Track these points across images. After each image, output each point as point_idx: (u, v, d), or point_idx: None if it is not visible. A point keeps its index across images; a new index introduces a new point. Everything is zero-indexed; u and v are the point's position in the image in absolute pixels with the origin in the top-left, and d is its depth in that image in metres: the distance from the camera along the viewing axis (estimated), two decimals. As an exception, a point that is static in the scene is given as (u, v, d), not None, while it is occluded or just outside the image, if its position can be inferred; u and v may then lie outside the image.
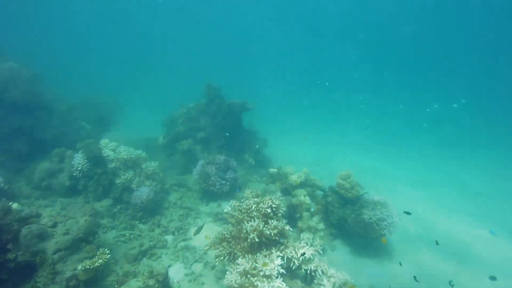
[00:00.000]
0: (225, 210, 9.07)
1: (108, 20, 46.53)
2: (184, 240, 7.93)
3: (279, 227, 5.88)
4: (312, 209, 8.66)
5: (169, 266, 6.95)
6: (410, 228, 10.14)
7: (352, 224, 8.22)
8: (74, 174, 9.07)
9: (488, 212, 12.45)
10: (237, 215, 6.37)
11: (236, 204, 6.78)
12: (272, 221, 5.91)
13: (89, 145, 10.02)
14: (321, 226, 8.44)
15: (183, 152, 13.22)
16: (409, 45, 46.45)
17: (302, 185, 9.19)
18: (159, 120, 17.28)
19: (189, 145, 13.25)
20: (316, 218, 8.60)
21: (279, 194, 7.09)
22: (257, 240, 5.61)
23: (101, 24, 46.78)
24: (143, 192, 8.69)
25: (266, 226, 5.76)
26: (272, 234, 5.73)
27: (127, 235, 7.60)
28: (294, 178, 9.03)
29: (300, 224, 8.51)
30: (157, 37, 53.10)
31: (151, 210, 8.73)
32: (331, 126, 28.84)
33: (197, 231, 7.07)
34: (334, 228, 9.04)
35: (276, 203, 6.25)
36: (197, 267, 7.04)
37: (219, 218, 9.12)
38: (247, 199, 6.79)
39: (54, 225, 5.96)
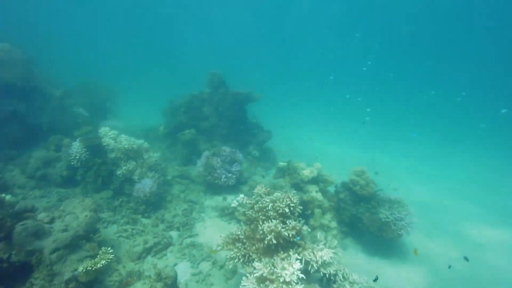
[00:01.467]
0: (232, 205, 8.66)
1: (107, 4, 44.75)
2: (190, 236, 7.47)
3: (297, 228, 5.42)
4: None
5: (175, 264, 6.50)
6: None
7: (367, 223, 7.82)
8: (72, 163, 8.50)
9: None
10: (250, 213, 5.89)
11: (248, 202, 6.29)
12: (290, 221, 5.44)
13: (88, 133, 9.43)
14: (333, 224, 8.04)
15: (185, 143, 12.66)
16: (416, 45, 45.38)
17: (313, 180, 8.73)
18: (159, 109, 16.63)
19: (191, 135, 12.67)
20: (328, 216, 8.18)
21: (293, 191, 6.62)
22: (274, 242, 5.15)
23: (99, 9, 44.96)
24: (146, 184, 8.17)
25: (284, 227, 5.30)
26: (290, 236, 5.27)
27: (130, 230, 7.11)
28: (306, 173, 8.57)
29: (311, 221, 8.10)
30: (159, 23, 51.40)
31: (154, 203, 8.23)
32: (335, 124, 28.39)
33: None
34: (345, 226, 8.64)
35: (294, 201, 5.77)
36: (205, 266, 6.60)
37: (225, 213, 8.67)
38: (260, 196, 6.32)
39: (51, 220, 5.43)
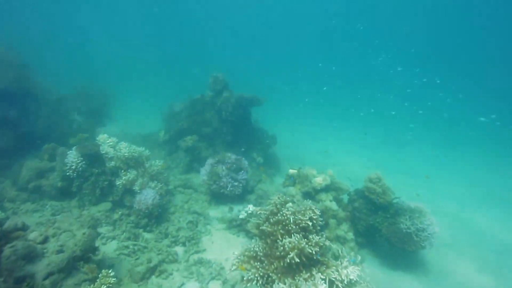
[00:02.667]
0: (241, 216, 8.12)
1: (105, 6, 44.01)
2: (197, 252, 6.87)
3: (321, 244, 4.88)
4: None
5: (182, 285, 5.90)
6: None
7: (387, 234, 7.29)
8: (67, 174, 7.88)
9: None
10: (266, 227, 5.33)
11: (263, 212, 5.75)
12: (313, 236, 4.90)
13: (85, 140, 8.85)
14: (350, 235, 7.50)
15: (187, 149, 12.10)
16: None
17: (326, 188, 8.21)
18: (158, 114, 16.10)
19: (193, 142, 12.13)
20: (344, 226, 7.65)
21: (309, 201, 6.10)
22: (297, 260, 4.60)
23: (96, 11, 44.17)
24: (148, 196, 7.59)
25: (307, 243, 4.75)
26: (314, 253, 4.72)
27: (131, 246, 6.50)
28: (319, 180, 8.05)
29: (327, 233, 7.55)
30: (158, 25, 50.70)
31: (157, 216, 7.63)
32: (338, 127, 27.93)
33: None
34: (360, 237, 8.11)
35: (317, 213, 5.25)
36: (215, 286, 6.01)
37: (233, 225, 8.09)
38: (275, 206, 5.78)
39: (45, 240, 4.83)
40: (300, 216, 5.13)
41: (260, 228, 5.43)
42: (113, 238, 6.77)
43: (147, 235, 7.15)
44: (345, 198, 8.71)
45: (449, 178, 16.48)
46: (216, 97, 12.84)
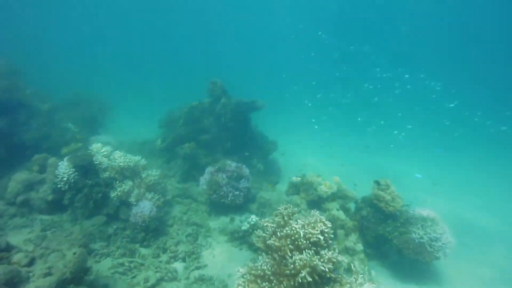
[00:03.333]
0: (243, 228, 7.70)
1: (100, 13, 43.52)
2: (197, 268, 6.43)
3: (334, 260, 4.48)
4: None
5: (183, 305, 5.45)
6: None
7: (399, 245, 6.89)
8: (59, 186, 7.45)
9: None
10: (273, 241, 4.92)
11: (270, 225, 5.34)
12: (325, 251, 4.50)
13: (77, 150, 8.42)
14: (359, 247, 7.09)
15: (185, 157, 11.68)
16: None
17: (332, 196, 7.82)
18: (155, 121, 15.67)
19: (191, 149, 11.71)
20: (353, 237, 7.24)
21: (317, 211, 5.70)
22: (309, 279, 4.19)
23: (89, 15, 43.60)
24: (145, 208, 7.15)
25: (319, 259, 4.35)
26: (327, 270, 4.32)
27: (126, 264, 6.05)
28: (325, 188, 7.67)
29: (335, 244, 7.13)
30: (153, 31, 50.31)
31: (154, 229, 7.18)
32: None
33: None
34: (369, 248, 7.70)
35: (328, 226, 4.86)
36: (218, 306, 5.57)
37: (235, 237, 7.65)
38: (282, 218, 5.38)
39: (31, 262, 4.38)
40: (310, 230, 4.73)
41: (267, 242, 5.02)
42: (107, 255, 6.31)
43: (144, 251, 6.69)
44: (351, 206, 8.33)
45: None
46: (214, 103, 12.48)
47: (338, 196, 7.97)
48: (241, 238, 7.60)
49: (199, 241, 7.47)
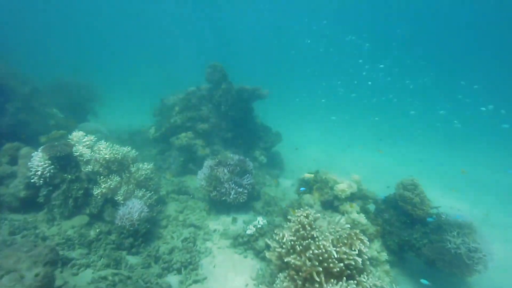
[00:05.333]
0: (248, 232, 6.67)
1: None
2: (195, 282, 5.41)
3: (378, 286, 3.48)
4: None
5: (177, 331, 4.44)
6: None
7: (431, 256, 5.93)
8: (32, 180, 6.31)
9: None
10: (294, 261, 3.89)
11: (288, 238, 4.30)
12: (364, 276, 3.48)
13: (55, 139, 7.28)
14: (384, 256, 6.10)
15: (181, 148, 10.59)
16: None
17: (351, 197, 6.81)
18: (149, 109, 14.45)
19: (188, 139, 10.62)
20: (376, 245, 6.26)
21: (341, 218, 4.69)
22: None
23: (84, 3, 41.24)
24: (134, 208, 6.07)
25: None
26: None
27: (110, 278, 5.00)
28: (343, 188, 6.64)
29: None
30: (148, 14, 47.93)
31: (145, 234, 6.12)
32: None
33: None
34: (392, 255, 6.73)
35: (366, 243, 3.84)
36: (221, 332, 4.57)
37: (239, 242, 6.63)
38: (303, 228, 4.35)
39: (-25, 288, 3.30)
40: (344, 249, 3.70)
41: (285, 260, 3.99)
42: (87, 266, 5.24)
43: (132, 260, 5.64)
44: (370, 207, 7.33)
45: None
46: (214, 89, 11.32)
47: (357, 196, 6.96)
48: (245, 244, 6.58)
49: (197, 246, 6.43)
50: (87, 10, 39.75)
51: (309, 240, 4.10)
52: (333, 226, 4.52)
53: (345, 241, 3.85)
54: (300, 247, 4.06)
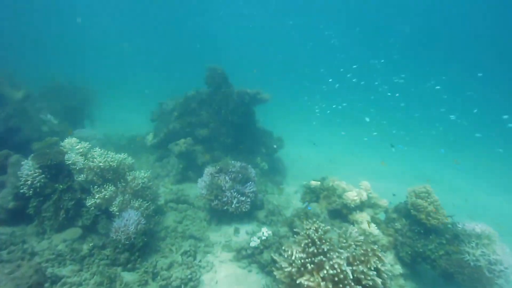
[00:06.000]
0: (252, 244, 6.27)
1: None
2: (196, 300, 4.99)
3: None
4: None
5: None
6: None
7: (449, 268, 5.54)
8: (22, 190, 5.91)
9: None
10: (307, 282, 3.50)
11: (297, 255, 3.91)
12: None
13: (48, 146, 6.88)
14: (398, 269, 5.72)
15: (180, 155, 10.18)
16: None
17: (361, 206, 6.44)
18: (145, 114, 14.09)
19: (187, 146, 10.22)
20: (389, 257, 5.87)
21: (353, 228, 4.32)
22: None
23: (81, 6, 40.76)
24: (130, 220, 5.67)
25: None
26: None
27: (104, 298, 4.58)
28: (352, 196, 6.27)
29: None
30: (147, 20, 47.60)
31: (142, 247, 5.70)
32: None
33: None
34: (404, 267, 6.34)
35: (385, 261, 3.47)
36: None
37: (243, 255, 6.22)
38: (313, 243, 3.97)
39: None
40: (361, 267, 3.32)
41: (297, 281, 3.60)
42: (79, 285, 4.83)
43: (127, 277, 5.22)
44: (381, 216, 6.96)
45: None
46: (214, 93, 10.97)
47: (367, 205, 6.59)
48: (249, 257, 6.18)
49: (197, 261, 6.03)
50: (83, 12, 39.38)
51: (321, 257, 3.72)
52: (345, 240, 4.14)
53: (362, 258, 3.48)
54: (312, 265, 3.67)
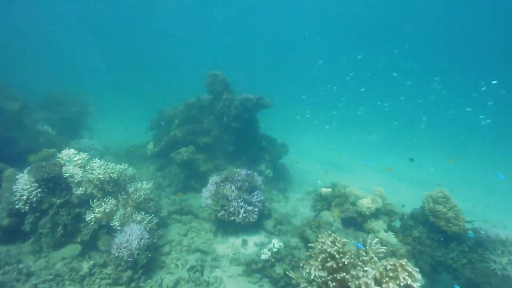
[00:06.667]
0: (263, 257, 5.92)
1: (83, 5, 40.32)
2: (206, 322, 4.62)
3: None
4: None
5: None
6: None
7: (475, 279, 5.20)
8: (17, 206, 5.56)
9: None
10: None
11: (312, 269, 3.58)
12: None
13: (45, 158, 6.55)
14: (420, 280, 5.35)
15: (182, 164, 9.82)
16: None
17: (376, 213, 6.11)
18: (145, 123, 13.79)
19: (189, 154, 9.88)
20: (409, 268, 5.51)
21: (373, 239, 3.99)
22: None
23: (74, 10, 40.38)
24: (133, 235, 5.31)
25: None
26: None
27: (106, 322, 4.21)
28: (366, 203, 5.94)
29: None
30: (143, 27, 47.35)
31: (145, 264, 5.33)
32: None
33: None
34: (423, 277, 5.98)
35: (416, 276, 3.15)
36: None
37: (253, 269, 5.86)
38: (332, 257, 3.64)
39: None
40: (392, 286, 3.00)
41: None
42: (79, 308, 4.45)
43: (131, 297, 4.85)
44: (396, 223, 6.63)
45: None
46: (215, 100, 10.70)
47: (382, 212, 6.26)
48: (262, 270, 5.81)
49: (205, 276, 5.66)
50: (80, 18, 39.16)
51: (343, 274, 3.39)
52: (365, 252, 3.81)
53: (391, 274, 3.15)
54: (334, 283, 3.34)
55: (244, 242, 6.88)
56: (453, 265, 5.60)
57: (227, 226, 7.34)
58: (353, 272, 3.26)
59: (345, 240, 4.06)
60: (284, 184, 12.04)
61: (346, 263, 3.42)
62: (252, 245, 6.87)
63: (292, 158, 13.78)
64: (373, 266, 3.38)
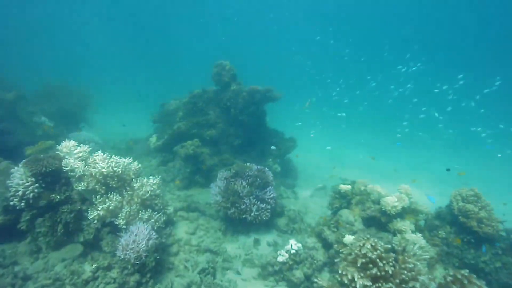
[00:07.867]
0: (280, 259, 5.49)
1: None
2: (223, 332, 4.18)
3: None
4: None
5: None
6: None
7: (510, 282, 4.80)
8: (12, 203, 5.08)
9: None
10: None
11: (363, 282, 3.14)
12: None
13: (42, 151, 6.05)
14: (451, 285, 4.94)
15: (187, 158, 9.36)
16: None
17: (402, 212, 5.67)
18: (147, 116, 13.26)
19: (194, 148, 9.40)
20: (439, 272, 5.11)
21: (414, 244, 3.57)
22: None
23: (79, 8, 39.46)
24: (140, 235, 4.84)
25: None
26: None
27: (112, 333, 3.76)
28: (392, 201, 5.50)
29: (415, 283, 4.99)
30: (146, 19, 46.32)
31: (154, 267, 4.88)
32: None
33: None
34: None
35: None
36: None
37: (269, 272, 5.42)
38: (370, 265, 3.21)
39: None
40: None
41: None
42: (82, 317, 4.00)
43: (139, 304, 4.41)
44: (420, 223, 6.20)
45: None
46: (222, 91, 10.19)
47: (407, 211, 5.83)
48: (277, 273, 5.38)
49: (217, 279, 5.22)
50: (80, 9, 38.25)
51: (391, 285, 2.95)
52: (407, 260, 3.38)
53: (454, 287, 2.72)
54: (379, 294, 2.91)
55: (256, 242, 6.46)
56: (486, 269, 5.19)
57: (237, 224, 6.91)
58: (405, 286, 2.82)
59: (388, 246, 3.61)
60: (291, 179, 11.61)
61: (390, 272, 2.98)
62: (265, 244, 6.45)
63: (297, 153, 13.33)
64: (424, 276, 2.94)
